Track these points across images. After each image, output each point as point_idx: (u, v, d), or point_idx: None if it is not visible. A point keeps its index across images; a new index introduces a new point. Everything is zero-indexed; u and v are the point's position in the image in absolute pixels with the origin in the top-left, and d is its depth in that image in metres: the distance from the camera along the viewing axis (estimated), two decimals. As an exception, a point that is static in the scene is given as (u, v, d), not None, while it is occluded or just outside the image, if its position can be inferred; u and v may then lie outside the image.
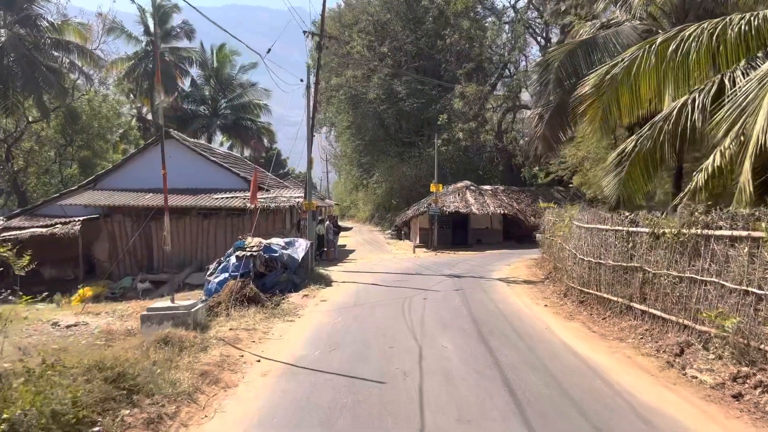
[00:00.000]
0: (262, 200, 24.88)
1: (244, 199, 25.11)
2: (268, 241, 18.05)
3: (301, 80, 22.19)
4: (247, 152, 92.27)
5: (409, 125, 48.34)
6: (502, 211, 35.65)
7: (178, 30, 55.89)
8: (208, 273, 17.43)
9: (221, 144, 79.81)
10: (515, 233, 38.25)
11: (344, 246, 41.33)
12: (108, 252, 25.19)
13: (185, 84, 58.73)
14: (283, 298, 15.28)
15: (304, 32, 23.33)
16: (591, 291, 13.35)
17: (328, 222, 30.36)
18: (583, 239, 14.24)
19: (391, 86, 46.22)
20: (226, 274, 16.18)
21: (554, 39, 41.42)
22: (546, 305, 14.24)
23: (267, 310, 13.24)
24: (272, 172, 69.80)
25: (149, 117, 57.15)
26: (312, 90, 22.96)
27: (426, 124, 48.48)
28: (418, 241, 36.90)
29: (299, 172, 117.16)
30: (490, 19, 46.80)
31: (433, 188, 32.95)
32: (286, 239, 18.45)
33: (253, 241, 17.64)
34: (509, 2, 42.76)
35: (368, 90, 45.63)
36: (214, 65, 58.89)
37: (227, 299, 13.37)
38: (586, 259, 13.69)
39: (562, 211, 20.13)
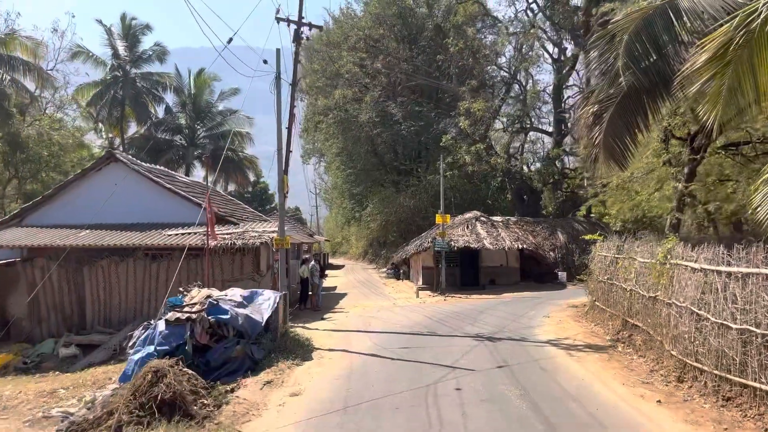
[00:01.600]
0: (226, 236, 19.40)
1: (205, 235, 19.60)
2: (221, 294, 12.50)
3: (265, 62, 16.82)
4: (232, 187, 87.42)
5: (405, 151, 43.26)
6: (519, 246, 30.27)
7: (150, 53, 51.15)
8: (130, 344, 11.86)
9: (205, 179, 74.54)
10: (534, 271, 32.80)
11: (334, 288, 35.73)
12: (27, 306, 19.48)
13: (159, 111, 53.81)
14: (232, 390, 9.70)
15: (278, 19, 18.13)
16: (749, 383, 7.83)
17: (313, 262, 24.82)
18: (714, 291, 8.78)
19: (385, 108, 41.26)
20: (152, 348, 10.64)
21: (569, 49, 36.72)
22: (659, 401, 8.68)
23: (193, 429, 7.63)
24: (259, 208, 63.90)
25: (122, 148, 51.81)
26: (289, 91, 17.74)
27: (424, 149, 43.41)
28: (420, 282, 31.36)
29: (289, 207, 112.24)
30: (491, 37, 42.19)
31: (439, 219, 27.61)
32: (246, 292, 12.89)
33: (196, 296, 12.09)
34: (514, 12, 37.97)
35: (360, 112, 40.62)
36: (192, 91, 53.90)
37: (125, 406, 7.77)
38: (735, 326, 8.18)
39: (631, 245, 14.76)
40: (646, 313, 12.31)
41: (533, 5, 37.24)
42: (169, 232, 20.23)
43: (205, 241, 18.75)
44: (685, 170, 19.57)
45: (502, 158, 35.21)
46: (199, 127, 55.28)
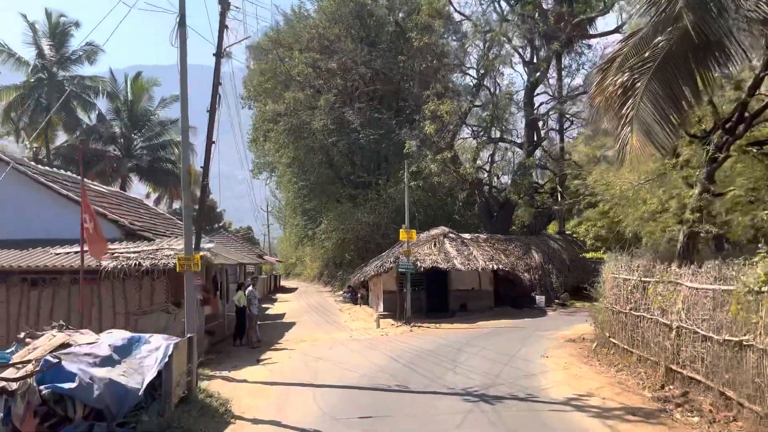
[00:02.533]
0: (132, 254, 14.90)
1: (106, 254, 15.04)
2: (84, 342, 8.08)
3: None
4: (177, 204, 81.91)
5: (364, 162, 39.25)
6: (493, 266, 26.43)
7: (80, 53, 46.02)
8: None
9: (148, 195, 69.81)
10: (508, 295, 29.03)
11: (281, 316, 31.25)
12: None
13: (91, 119, 48.56)
14: None
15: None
16: None
17: (251, 288, 20.30)
18: None
19: (342, 114, 37.26)
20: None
21: (542, 51, 33.53)
22: None
23: None
24: (206, 226, 58.35)
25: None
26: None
27: (384, 160, 39.50)
28: (381, 309, 27.19)
29: (240, 227, 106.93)
30: (455, 44, 38.75)
31: (403, 236, 23.57)
32: (124, 338, 8.48)
33: (40, 346, 7.67)
34: (482, 11, 34.58)
35: (313, 119, 36.50)
36: (128, 97, 48.80)
37: None
38: None
39: (664, 266, 10.99)
40: (718, 363, 8.44)
41: (503, 3, 34.05)
42: (58, 250, 15.57)
43: (107, 263, 14.26)
44: (702, 174, 16.13)
45: (471, 168, 31.49)
46: (136, 136, 50.16)
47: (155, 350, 8.13)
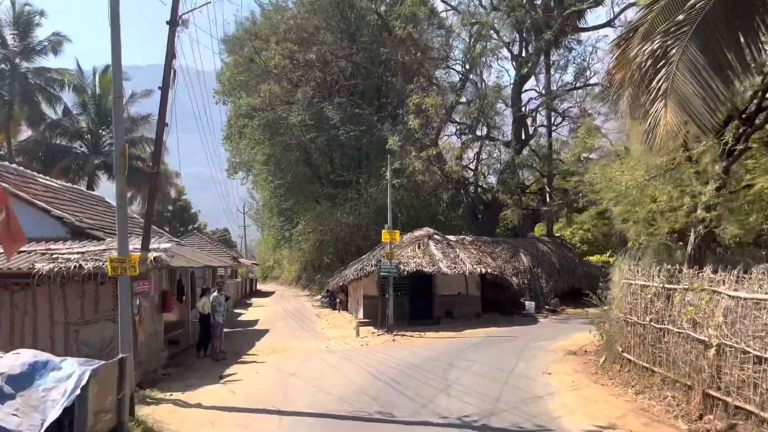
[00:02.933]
0: (75, 254, 12.91)
1: (49, 256, 13.11)
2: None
3: None
4: (157, 205, 79.33)
5: (343, 160, 37.40)
6: (481, 270, 24.71)
7: (46, 43, 43.59)
8: None
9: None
10: (496, 301, 27.38)
11: (255, 323, 29.25)
12: None
13: (57, 112, 46.03)
14: None
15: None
16: None
17: (216, 293, 18.27)
18: None
19: (321, 110, 35.40)
20: None
21: (531, 44, 31.99)
22: None
23: None
24: (181, 228, 55.74)
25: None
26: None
27: (365, 158, 37.69)
28: (361, 315, 25.35)
29: (217, 229, 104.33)
30: (439, 39, 37.03)
31: (385, 236, 21.76)
32: (28, 362, 6.52)
33: None
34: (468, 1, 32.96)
35: (290, 113, 34.57)
36: (96, 91, 46.40)
37: None
38: None
39: (690, 271, 9.35)
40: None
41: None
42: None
43: (46, 266, 12.28)
44: (717, 168, 14.59)
45: (457, 166, 29.77)
46: (104, 132, 47.67)
47: (65, 379, 6.23)
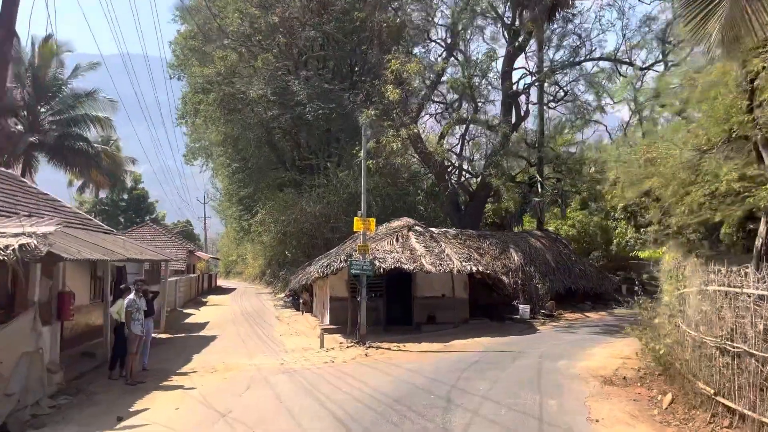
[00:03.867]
0: None
1: None
2: None
3: None
4: (104, 193, 73.86)
5: (310, 141, 33.16)
6: (471, 268, 20.76)
7: (-28, 4, 38.29)
8: None
9: (70, 183, 62.30)
10: (484, 304, 23.65)
11: (203, 326, 25.08)
12: None
13: (-13, 86, 40.67)
14: None
15: None
16: None
17: (132, 295, 13.80)
18: None
19: (286, 84, 31.15)
20: None
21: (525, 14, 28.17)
22: None
23: None
24: (137, 219, 50.59)
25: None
26: None
27: (335, 140, 33.53)
28: (327, 321, 21.33)
29: (179, 221, 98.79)
30: (417, 14, 32.98)
31: (358, 226, 17.68)
32: None
33: None
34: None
35: (250, 87, 30.24)
36: (34, 62, 41.22)
37: None
38: None
39: None
40: None
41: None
42: None
43: None
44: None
45: (439, 147, 25.81)
46: (43, 108, 42.49)
47: None
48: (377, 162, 24.59)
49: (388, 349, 16.88)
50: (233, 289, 58.45)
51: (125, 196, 73.59)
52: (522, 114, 29.38)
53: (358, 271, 17.40)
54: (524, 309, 23.01)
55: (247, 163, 33.89)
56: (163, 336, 21.59)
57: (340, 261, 19.21)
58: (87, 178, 51.07)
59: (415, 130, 25.06)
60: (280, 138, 33.33)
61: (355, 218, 17.66)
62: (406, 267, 19.55)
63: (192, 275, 42.53)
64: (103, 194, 72.63)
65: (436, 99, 31.42)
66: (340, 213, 29.30)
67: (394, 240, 21.29)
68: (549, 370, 12.55)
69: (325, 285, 21.92)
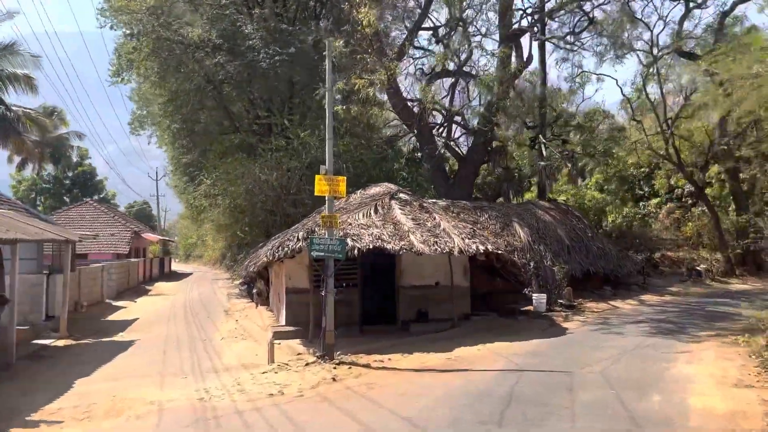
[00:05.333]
0: None
1: None
2: None
3: None
4: (50, 168, 66.90)
5: (266, 95, 27.27)
6: (479, 247, 15.28)
7: None
8: None
9: (10, 159, 56.16)
10: (484, 291, 18.53)
11: (127, 324, 19.54)
12: None
13: None
14: None
15: None
16: None
17: None
18: None
19: (235, 25, 25.30)
20: None
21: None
22: None
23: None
24: (83, 198, 44.10)
25: None
26: None
27: (297, 94, 27.75)
28: (283, 320, 15.86)
29: (135, 201, 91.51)
30: None
31: (322, 187, 12.08)
32: None
33: None
34: None
35: (190, 28, 24.29)
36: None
37: None
38: None
39: None
40: None
41: None
42: None
43: None
44: None
45: (427, 92, 20.26)
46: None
47: None
48: (347, 109, 18.94)
49: (367, 366, 11.52)
50: (188, 275, 52.51)
51: (70, 174, 66.55)
52: (525, 60, 23.91)
53: (323, 253, 11.89)
54: (539, 299, 17.82)
55: (191, 124, 27.86)
56: (60, 343, 15.92)
57: (297, 239, 13.67)
58: (14, 150, 44.72)
59: (394, 68, 19.44)
60: (230, 92, 27.39)
61: (317, 177, 12.11)
62: (388, 247, 14.11)
63: (133, 259, 36.53)
64: (49, 168, 65.57)
65: (419, 45, 25.87)
66: (303, 182, 23.71)
67: (372, 211, 15.82)
68: (646, 419, 7.30)
69: (281, 272, 16.40)
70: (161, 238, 54.97)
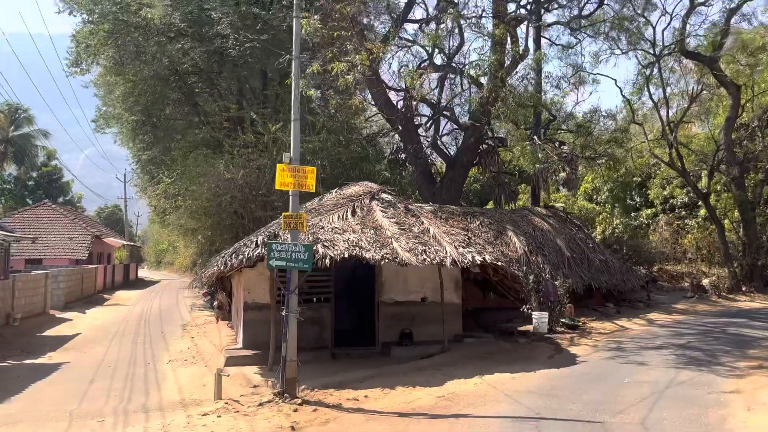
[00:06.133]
0: None
1: None
2: None
3: None
4: (11, 169, 63.60)
5: (238, 88, 24.72)
6: (476, 258, 12.81)
7: None
8: None
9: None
10: (474, 307, 16.24)
11: (63, 342, 16.86)
12: None
13: None
14: None
15: None
16: None
17: None
18: None
19: (201, 8, 22.81)
20: None
21: None
22: None
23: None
24: (47, 200, 41.15)
25: None
26: None
27: (269, 86, 25.26)
28: (241, 341, 13.30)
29: (105, 205, 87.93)
30: None
31: (284, 179, 9.67)
32: None
33: None
34: None
35: (151, 9, 21.72)
36: None
37: None
38: None
39: None
40: None
41: None
42: None
43: None
44: None
45: (416, 80, 17.87)
46: None
47: None
48: (324, 99, 16.45)
49: (337, 406, 9.04)
50: (155, 283, 49.46)
51: (34, 174, 62.97)
52: (521, 52, 21.66)
53: (284, 263, 9.39)
54: (540, 318, 15.48)
55: (152, 118, 25.08)
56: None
57: (256, 245, 11.16)
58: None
59: (379, 54, 17.02)
60: (195, 82, 24.76)
61: (279, 167, 9.68)
62: (367, 255, 11.65)
63: (90, 266, 33.53)
64: (11, 170, 61.95)
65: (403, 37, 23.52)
66: (274, 182, 21.13)
67: (349, 213, 13.37)
68: None
69: (240, 283, 13.89)
70: (126, 243, 51.74)
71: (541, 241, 19.65)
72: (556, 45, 25.65)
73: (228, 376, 10.65)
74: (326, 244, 11.52)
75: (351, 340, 13.70)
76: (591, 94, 37.98)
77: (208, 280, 16.04)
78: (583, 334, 15.82)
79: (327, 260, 11.15)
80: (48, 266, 30.99)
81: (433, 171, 24.75)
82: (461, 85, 21.66)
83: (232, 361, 12.16)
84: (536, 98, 22.79)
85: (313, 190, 9.98)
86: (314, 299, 13.22)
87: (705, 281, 24.84)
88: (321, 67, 15.14)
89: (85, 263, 35.65)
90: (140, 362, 14.01)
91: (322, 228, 12.36)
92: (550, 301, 16.36)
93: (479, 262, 12.60)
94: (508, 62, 21.56)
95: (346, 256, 11.39)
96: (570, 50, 25.42)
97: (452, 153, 24.17)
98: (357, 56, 15.72)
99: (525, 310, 15.84)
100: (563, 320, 16.48)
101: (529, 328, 15.99)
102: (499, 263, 13.12)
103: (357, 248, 11.72)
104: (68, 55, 30.39)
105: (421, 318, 13.84)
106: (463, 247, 12.97)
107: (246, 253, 11.16)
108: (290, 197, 9.89)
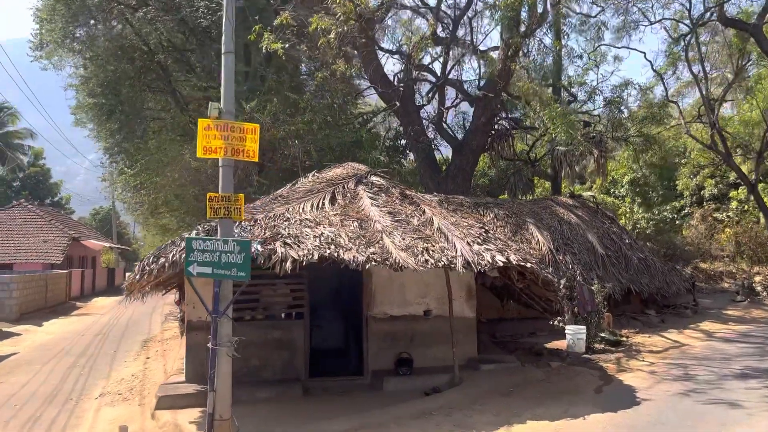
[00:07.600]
0: None
1: None
2: None
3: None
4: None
5: (211, 63, 21.41)
6: (497, 259, 9.48)
7: None
8: None
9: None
10: (488, 318, 12.96)
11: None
12: None
13: None
14: None
15: None
16: None
17: None
18: None
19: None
20: None
21: None
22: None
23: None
24: (35, 201, 38.56)
25: None
26: None
27: (248, 61, 21.96)
28: (184, 374, 9.98)
29: (99, 207, 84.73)
30: None
31: (209, 142, 6.40)
32: None
33: None
34: None
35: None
36: None
37: None
38: None
39: None
40: None
41: None
42: None
43: None
44: None
45: (420, 43, 14.53)
46: None
47: None
48: (298, 51, 13.14)
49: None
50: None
51: (20, 175, 59.92)
52: (537, 17, 18.27)
53: (209, 269, 6.10)
54: (576, 334, 12.11)
55: (113, 95, 21.66)
56: None
57: (174, 245, 7.88)
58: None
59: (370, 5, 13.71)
60: (164, 58, 21.44)
61: (201, 122, 6.40)
62: (346, 257, 8.34)
63: (59, 271, 30.30)
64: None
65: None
66: (250, 170, 17.89)
67: (327, 200, 10.06)
68: None
69: (185, 296, 10.62)
70: (114, 245, 48.51)
71: (569, 236, 16.27)
72: (576, 14, 22.28)
73: (177, 404, 7.37)
74: (289, 241, 8.22)
75: (332, 367, 10.42)
76: (613, 73, 34.42)
77: (138, 291, 12.64)
78: (629, 353, 12.44)
79: (288, 264, 7.84)
80: (19, 272, 28.00)
81: (438, 158, 21.41)
82: (473, 40, 18.19)
83: (166, 402, 8.88)
84: (556, 72, 19.41)
85: (256, 159, 6.71)
86: (282, 315, 9.96)
87: (757, 280, 21.48)
88: (292, 17, 11.76)
89: (63, 268, 32.54)
90: (61, 398, 10.76)
91: (287, 220, 9.07)
92: (587, 312, 13.00)
93: (501, 264, 9.25)
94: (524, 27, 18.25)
95: (316, 257, 8.08)
96: (592, 19, 22.05)
97: (459, 137, 20.83)
98: (341, 7, 12.38)
99: (556, 323, 12.50)
100: (602, 335, 13.10)
101: (560, 344, 12.70)
102: (528, 265, 9.71)
103: (332, 246, 8.40)
104: (32, 39, 27.15)
105: (423, 338, 10.51)
106: (478, 243, 9.62)
107: (170, 256, 7.86)
108: (220, 170, 6.61)
